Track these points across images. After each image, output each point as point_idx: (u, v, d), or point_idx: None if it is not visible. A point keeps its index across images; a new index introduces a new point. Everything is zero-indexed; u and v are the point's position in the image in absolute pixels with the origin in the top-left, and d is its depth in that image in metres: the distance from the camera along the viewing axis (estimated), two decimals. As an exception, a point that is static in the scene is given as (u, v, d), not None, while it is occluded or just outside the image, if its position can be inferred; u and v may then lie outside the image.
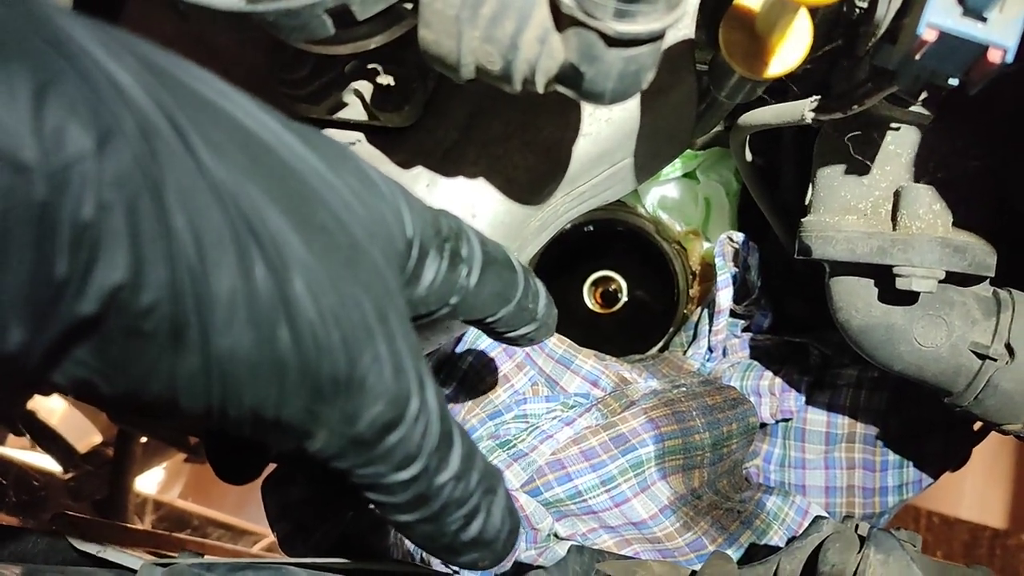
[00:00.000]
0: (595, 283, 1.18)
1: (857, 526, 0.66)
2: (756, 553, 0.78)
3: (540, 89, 0.45)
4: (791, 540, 0.70)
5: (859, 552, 0.59)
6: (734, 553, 0.77)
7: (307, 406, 0.33)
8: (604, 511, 0.75)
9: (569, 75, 0.43)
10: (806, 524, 0.82)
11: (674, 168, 0.99)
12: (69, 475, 1.36)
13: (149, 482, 1.71)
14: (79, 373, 0.29)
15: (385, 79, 0.52)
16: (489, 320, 0.48)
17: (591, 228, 1.12)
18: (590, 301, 1.17)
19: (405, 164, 0.60)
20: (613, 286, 1.17)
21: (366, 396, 0.34)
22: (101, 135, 0.26)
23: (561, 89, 0.45)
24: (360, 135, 0.59)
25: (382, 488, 0.38)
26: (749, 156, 0.79)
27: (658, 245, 1.08)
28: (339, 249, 0.34)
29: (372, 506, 0.39)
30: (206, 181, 0.29)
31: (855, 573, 0.58)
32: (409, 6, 0.44)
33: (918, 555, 0.66)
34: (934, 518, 1.98)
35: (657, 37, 0.41)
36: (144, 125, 0.28)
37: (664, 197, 1.02)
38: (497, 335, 0.50)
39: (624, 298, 1.16)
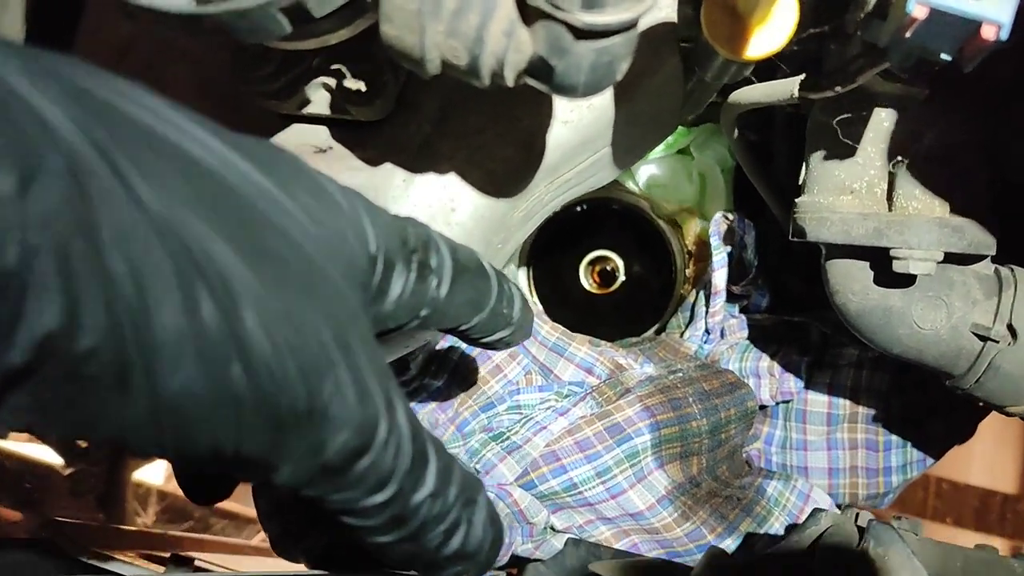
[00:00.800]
0: (591, 263, 1.15)
1: (857, 515, 0.65)
2: (756, 541, 0.77)
3: (510, 83, 0.43)
4: (790, 528, 0.69)
5: (858, 546, 0.58)
6: (733, 542, 0.76)
7: (268, 440, 0.32)
8: (600, 503, 0.74)
9: (539, 68, 0.41)
10: (808, 509, 0.81)
11: (668, 145, 0.97)
12: (69, 471, 1.36)
13: (153, 473, 1.71)
14: (18, 419, 0.27)
15: (353, 81, 0.50)
16: (463, 328, 0.46)
17: (584, 207, 1.10)
18: (587, 282, 1.15)
19: (379, 159, 0.58)
20: (610, 266, 1.15)
21: (330, 425, 0.33)
22: (24, 176, 0.24)
23: (532, 82, 0.43)
24: (332, 143, 0.58)
25: (356, 512, 0.37)
26: (741, 134, 0.77)
27: (654, 223, 1.06)
28: (293, 276, 0.32)
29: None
30: (144, 217, 0.27)
31: (854, 567, 0.57)
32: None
33: (920, 541, 0.65)
34: (944, 485, 1.97)
35: (629, 26, 0.39)
36: (73, 162, 0.26)
37: (657, 174, 1.00)
38: (472, 341, 0.49)
39: (621, 277, 1.14)
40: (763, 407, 0.87)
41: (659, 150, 0.97)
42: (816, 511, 0.61)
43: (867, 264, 0.65)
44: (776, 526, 0.78)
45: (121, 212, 0.27)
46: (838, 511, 0.68)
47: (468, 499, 0.40)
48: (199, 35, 0.40)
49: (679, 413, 0.75)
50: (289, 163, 0.37)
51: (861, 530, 0.61)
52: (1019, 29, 0.45)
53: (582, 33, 0.38)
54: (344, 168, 0.58)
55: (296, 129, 0.58)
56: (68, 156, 0.26)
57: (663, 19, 0.57)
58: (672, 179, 0.99)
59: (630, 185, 1.02)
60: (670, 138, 0.96)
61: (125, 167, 0.28)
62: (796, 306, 0.90)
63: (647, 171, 1.00)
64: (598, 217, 1.13)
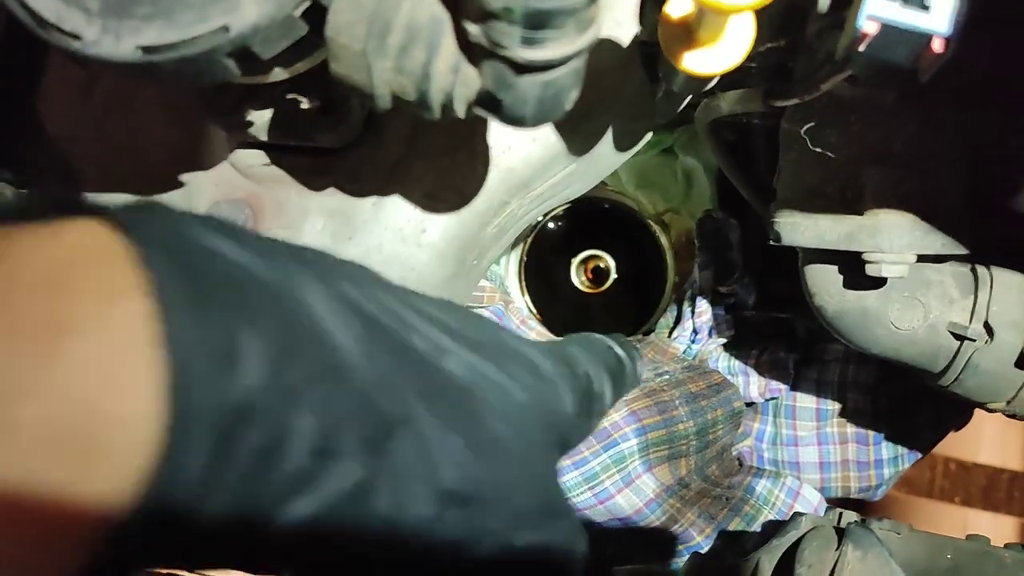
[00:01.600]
0: (583, 262, 1.16)
1: (841, 516, 0.65)
2: (747, 540, 0.77)
3: (461, 115, 0.43)
4: (772, 526, 0.69)
5: (837, 549, 0.58)
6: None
7: None
8: (588, 508, 0.74)
9: (487, 102, 0.42)
10: (797, 506, 0.81)
11: (652, 145, 0.97)
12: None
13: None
14: None
15: (311, 104, 0.51)
16: None
17: (575, 208, 1.10)
18: (578, 281, 1.15)
19: (350, 183, 0.58)
20: (602, 264, 1.16)
21: None
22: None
23: (482, 114, 0.43)
24: (298, 165, 0.58)
25: None
26: (718, 137, 0.77)
27: (644, 222, 1.06)
28: (509, 455, 0.35)
29: None
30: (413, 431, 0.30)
31: (832, 572, 0.57)
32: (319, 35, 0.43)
33: (905, 538, 0.65)
34: (951, 464, 1.96)
35: (572, 58, 0.39)
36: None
37: (643, 175, 1.00)
38: None
39: (613, 276, 1.14)
40: (753, 404, 0.87)
41: (644, 150, 0.97)
42: (796, 515, 0.62)
43: (843, 266, 0.65)
44: (765, 525, 0.78)
45: (405, 429, 0.30)
46: (827, 507, 0.68)
47: None
48: (150, 81, 0.41)
49: (665, 416, 0.76)
50: (501, 342, 0.38)
51: (842, 532, 0.61)
52: (985, 28, 0.45)
53: (523, 68, 0.38)
54: (315, 193, 0.59)
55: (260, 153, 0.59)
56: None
57: (624, 35, 0.57)
58: (658, 179, 1.00)
59: (618, 187, 1.02)
60: (655, 138, 0.96)
61: (408, 394, 0.31)
62: (782, 303, 0.90)
63: (634, 173, 1.00)
64: (589, 217, 1.13)
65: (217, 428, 0.24)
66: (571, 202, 1.09)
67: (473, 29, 0.38)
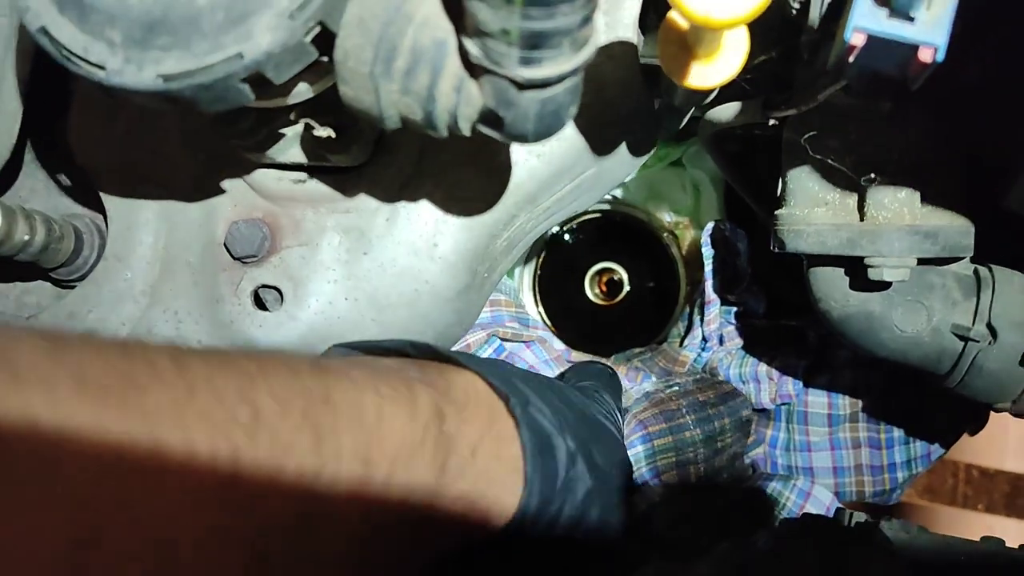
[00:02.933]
0: (596, 275, 1.17)
1: (851, 515, 0.66)
2: (757, 539, 0.78)
3: (466, 133, 0.45)
4: (780, 526, 0.70)
5: (841, 553, 0.59)
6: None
7: None
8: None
9: (490, 119, 0.44)
10: (808, 506, 0.82)
11: (660, 158, 0.98)
12: None
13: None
14: None
15: (323, 131, 0.53)
16: None
17: (587, 220, 1.12)
18: (592, 294, 1.17)
19: (363, 201, 0.60)
20: (615, 277, 1.17)
21: None
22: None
23: (485, 131, 0.45)
24: (312, 181, 0.60)
25: None
26: (721, 148, 0.79)
27: (655, 234, 1.08)
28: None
29: None
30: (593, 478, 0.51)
31: None
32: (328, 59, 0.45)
33: (914, 538, 0.66)
34: (973, 471, 1.95)
35: (569, 76, 0.41)
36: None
37: (651, 187, 1.02)
38: None
39: (626, 288, 1.16)
40: (765, 410, 0.88)
41: (653, 163, 0.99)
42: (807, 515, 0.63)
43: (846, 272, 0.66)
44: (774, 526, 0.79)
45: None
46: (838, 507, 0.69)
47: None
48: (170, 108, 0.43)
49: (671, 424, 0.77)
50: (601, 411, 0.59)
51: (850, 534, 0.62)
52: (980, 33, 0.47)
53: (523, 86, 0.40)
54: (330, 211, 0.61)
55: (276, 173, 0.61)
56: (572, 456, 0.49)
57: (625, 52, 0.59)
58: (667, 191, 1.01)
59: (627, 200, 1.04)
60: (663, 152, 0.98)
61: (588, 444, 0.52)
62: (792, 310, 0.91)
63: (642, 185, 1.02)
64: (602, 230, 1.15)
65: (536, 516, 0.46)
66: (583, 216, 1.11)
67: (474, 50, 0.40)
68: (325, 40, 0.42)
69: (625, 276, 1.16)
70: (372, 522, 0.37)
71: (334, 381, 0.38)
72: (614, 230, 1.13)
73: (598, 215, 1.11)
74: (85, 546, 0.24)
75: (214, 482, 0.29)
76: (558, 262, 1.15)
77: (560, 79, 0.41)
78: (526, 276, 1.13)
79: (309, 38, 0.41)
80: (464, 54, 0.41)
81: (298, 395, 0.35)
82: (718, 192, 0.99)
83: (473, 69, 0.41)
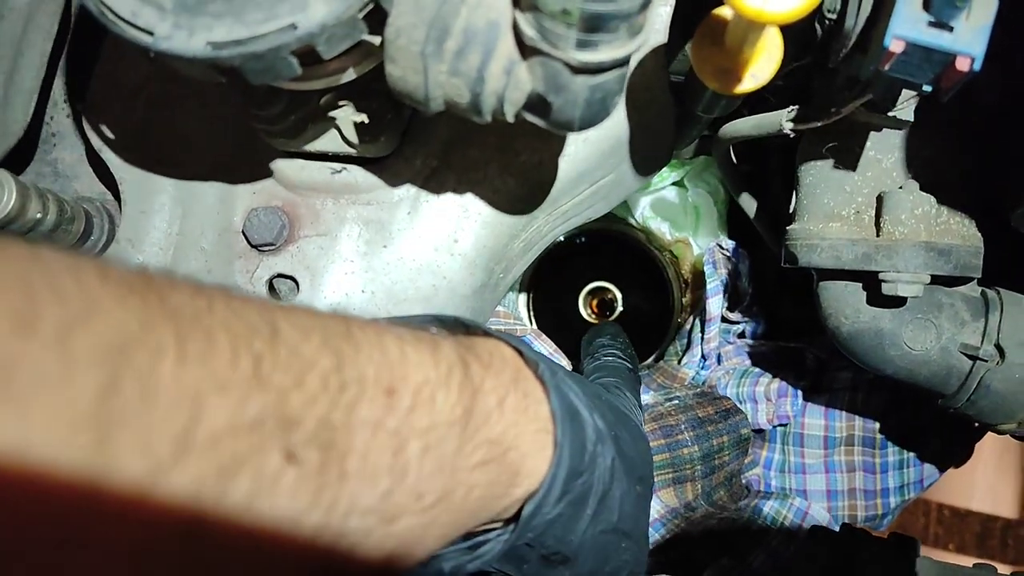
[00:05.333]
0: (591, 294, 1.17)
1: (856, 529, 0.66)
2: (753, 559, 0.78)
3: (510, 119, 0.45)
4: (779, 545, 0.70)
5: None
6: (728, 562, 0.77)
7: None
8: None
9: (537, 105, 0.44)
10: (806, 526, 0.82)
11: (662, 178, 0.99)
12: None
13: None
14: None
15: (359, 115, 0.52)
16: None
17: (583, 240, 1.13)
18: (586, 312, 1.17)
19: (385, 193, 0.60)
20: (609, 296, 1.17)
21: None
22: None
23: (530, 118, 0.45)
24: (344, 169, 0.60)
25: None
26: (734, 165, 0.79)
27: (651, 254, 1.08)
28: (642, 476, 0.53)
29: None
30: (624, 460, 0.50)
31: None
32: (376, 41, 0.45)
33: (916, 562, 0.66)
34: (945, 511, 1.97)
35: (621, 63, 0.41)
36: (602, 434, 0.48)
37: (653, 206, 1.02)
38: None
39: (620, 308, 1.16)
40: (761, 431, 0.88)
41: (655, 183, 1.00)
42: (815, 527, 0.63)
43: (858, 287, 0.66)
44: (773, 544, 0.79)
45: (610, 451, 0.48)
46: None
47: None
48: (215, 77, 0.42)
49: (669, 440, 0.77)
50: (627, 406, 0.58)
51: (855, 543, 0.62)
52: (999, 57, 0.47)
53: (577, 69, 0.40)
54: (351, 203, 0.60)
55: (298, 162, 0.60)
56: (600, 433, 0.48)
57: (655, 49, 0.59)
58: (668, 211, 1.02)
59: (628, 218, 1.05)
60: (666, 171, 0.98)
61: (617, 436, 0.50)
62: (791, 332, 0.92)
63: (647, 202, 1.02)
64: (597, 249, 1.15)
65: (565, 486, 0.44)
66: (580, 233, 1.11)
67: (529, 31, 0.40)
68: (377, 17, 0.42)
69: (619, 296, 1.16)
70: (396, 456, 0.35)
71: (355, 322, 0.37)
72: (610, 248, 1.13)
73: (595, 233, 1.12)
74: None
75: (238, 379, 0.28)
76: (554, 278, 1.15)
77: (613, 65, 0.41)
78: (521, 294, 1.13)
79: (363, 14, 0.41)
80: (518, 36, 0.41)
81: (318, 327, 0.34)
82: (719, 212, 1.00)
83: (526, 51, 0.41)
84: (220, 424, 0.27)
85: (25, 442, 0.22)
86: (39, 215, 0.59)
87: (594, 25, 0.38)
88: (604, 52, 0.40)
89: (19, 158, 0.67)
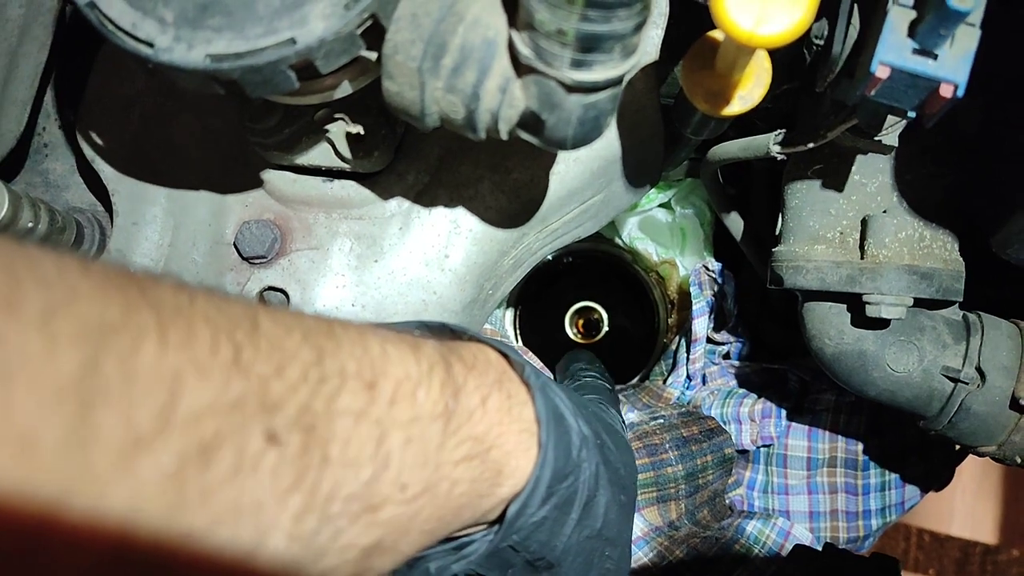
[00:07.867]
0: (576, 313, 1.18)
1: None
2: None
3: (504, 136, 0.46)
4: (760, 564, 0.70)
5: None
6: (715, 582, 0.78)
7: None
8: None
9: (530, 122, 0.44)
10: (788, 546, 0.82)
11: (649, 199, 1.00)
12: None
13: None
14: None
15: (354, 128, 0.53)
16: None
17: (571, 259, 1.13)
18: (571, 332, 1.17)
19: (377, 208, 0.60)
20: (595, 316, 1.18)
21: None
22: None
23: (524, 136, 0.46)
24: (333, 183, 0.60)
25: None
26: (720, 187, 0.80)
27: (637, 275, 1.09)
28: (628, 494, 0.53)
29: None
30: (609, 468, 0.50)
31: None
32: (373, 57, 0.45)
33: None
34: (924, 536, 1.98)
35: (615, 83, 0.42)
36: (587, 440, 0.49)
37: (640, 227, 1.03)
38: None
39: (606, 328, 1.16)
40: (745, 452, 0.89)
41: (643, 204, 1.00)
42: (799, 546, 0.63)
43: (842, 308, 0.67)
44: (756, 563, 0.79)
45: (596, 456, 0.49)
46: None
47: None
48: (213, 89, 0.43)
49: (654, 459, 0.77)
50: (610, 419, 0.58)
51: (840, 558, 0.62)
52: (981, 85, 0.49)
53: (571, 88, 0.41)
54: (343, 217, 0.61)
55: (290, 176, 0.61)
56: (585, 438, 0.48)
57: (643, 80, 0.60)
58: (655, 232, 1.03)
59: (615, 238, 1.05)
60: (653, 193, 0.99)
61: (603, 443, 0.51)
62: (775, 354, 0.93)
63: (633, 223, 1.03)
64: (583, 269, 1.16)
65: (550, 488, 0.44)
66: (567, 252, 1.12)
67: (525, 50, 0.41)
68: (374, 34, 0.43)
69: (605, 316, 1.16)
70: (378, 445, 0.35)
71: (337, 322, 0.37)
72: (597, 270, 1.14)
73: (581, 254, 1.13)
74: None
75: (219, 364, 0.28)
76: (540, 298, 1.16)
77: (607, 85, 0.42)
78: (508, 312, 1.13)
79: (361, 30, 0.42)
80: (514, 55, 0.42)
81: (300, 325, 0.34)
82: (706, 233, 1.01)
83: (521, 70, 0.42)
84: (201, 403, 0.27)
85: (9, 409, 0.22)
86: (31, 224, 0.59)
87: (589, 45, 0.39)
88: (598, 72, 0.40)
89: (9, 168, 0.67)
